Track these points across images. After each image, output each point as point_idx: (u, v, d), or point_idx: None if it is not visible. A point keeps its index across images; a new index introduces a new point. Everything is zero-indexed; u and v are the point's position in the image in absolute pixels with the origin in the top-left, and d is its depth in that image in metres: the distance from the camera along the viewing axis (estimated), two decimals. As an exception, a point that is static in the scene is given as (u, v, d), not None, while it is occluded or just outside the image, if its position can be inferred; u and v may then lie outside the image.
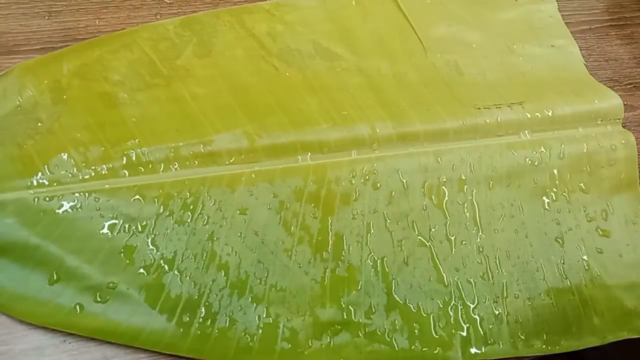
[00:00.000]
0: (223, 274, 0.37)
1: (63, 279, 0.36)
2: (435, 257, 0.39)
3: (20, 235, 0.36)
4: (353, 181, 0.41)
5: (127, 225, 0.38)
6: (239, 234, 0.38)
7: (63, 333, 0.36)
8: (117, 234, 0.37)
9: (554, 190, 0.42)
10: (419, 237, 0.40)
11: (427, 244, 0.40)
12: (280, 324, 0.36)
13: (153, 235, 0.38)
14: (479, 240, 0.40)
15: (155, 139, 0.40)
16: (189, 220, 0.38)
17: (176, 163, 0.40)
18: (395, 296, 0.38)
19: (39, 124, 0.40)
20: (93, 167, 0.39)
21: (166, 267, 0.37)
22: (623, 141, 0.44)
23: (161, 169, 0.40)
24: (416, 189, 0.41)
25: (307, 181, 0.40)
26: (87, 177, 0.39)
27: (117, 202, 0.38)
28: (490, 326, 0.38)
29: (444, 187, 0.41)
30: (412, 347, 0.37)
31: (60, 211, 0.38)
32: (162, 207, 0.39)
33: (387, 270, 0.39)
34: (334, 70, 0.45)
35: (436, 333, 0.37)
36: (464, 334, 0.37)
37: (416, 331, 0.37)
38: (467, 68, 0.46)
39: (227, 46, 0.45)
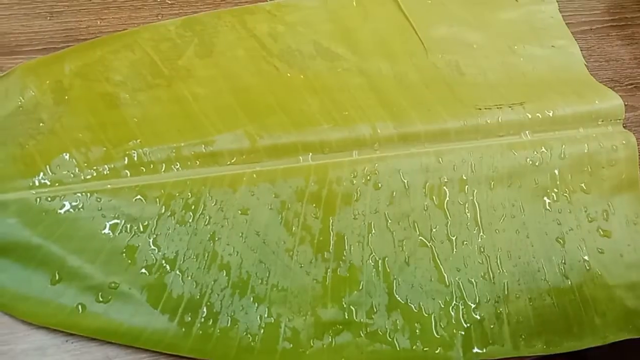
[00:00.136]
0: (225, 274, 0.37)
1: (65, 279, 0.36)
2: (437, 257, 0.39)
3: (22, 235, 0.37)
4: (354, 181, 0.41)
5: (128, 226, 0.38)
6: (241, 234, 0.39)
7: (65, 333, 0.36)
8: (118, 234, 0.38)
9: (555, 190, 0.42)
10: (420, 237, 0.40)
11: (428, 244, 0.40)
12: (281, 323, 0.37)
13: (155, 236, 0.38)
14: (480, 240, 0.40)
15: (157, 139, 0.40)
16: (190, 221, 0.38)
17: (178, 163, 0.40)
18: (397, 296, 0.38)
19: (41, 124, 0.40)
20: (95, 167, 0.39)
21: (168, 267, 0.37)
22: (624, 141, 0.44)
23: (163, 169, 0.40)
24: (417, 189, 0.41)
25: (308, 181, 0.40)
26: (88, 177, 0.39)
27: (119, 202, 0.38)
28: (492, 326, 0.38)
29: (445, 188, 0.41)
30: (414, 347, 0.37)
31: (62, 211, 0.38)
32: (163, 207, 0.39)
33: (388, 270, 0.39)
34: (335, 70, 0.45)
35: (437, 333, 0.37)
36: (465, 334, 0.37)
37: (417, 331, 0.37)
38: (468, 68, 0.46)
39: (228, 46, 0.45)
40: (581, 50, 0.49)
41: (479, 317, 0.38)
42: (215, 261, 0.38)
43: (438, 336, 0.37)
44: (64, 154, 0.39)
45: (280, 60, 0.45)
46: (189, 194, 0.39)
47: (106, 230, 0.38)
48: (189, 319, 0.36)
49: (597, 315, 0.38)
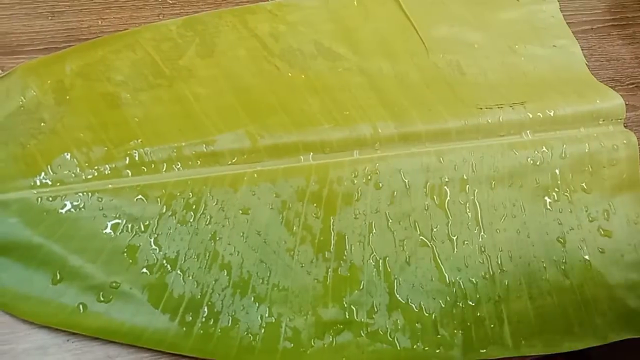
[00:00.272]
0: (225, 274, 0.37)
1: (66, 279, 0.36)
2: (437, 257, 0.39)
3: (23, 235, 0.37)
4: (355, 181, 0.41)
5: (130, 225, 0.38)
6: (242, 234, 0.39)
7: (66, 332, 0.36)
8: (120, 233, 0.38)
9: (556, 190, 0.42)
10: (421, 237, 0.40)
11: (429, 244, 0.40)
12: (282, 323, 0.37)
13: (156, 235, 0.38)
14: (480, 240, 0.40)
15: (158, 139, 0.40)
16: (191, 220, 0.39)
17: (179, 163, 0.40)
18: (397, 296, 0.38)
19: (42, 124, 0.40)
20: (96, 167, 0.39)
21: (169, 266, 0.37)
22: (625, 141, 0.44)
23: (164, 169, 0.40)
24: (418, 189, 0.41)
25: (309, 181, 0.40)
26: (90, 177, 0.39)
27: (120, 202, 0.38)
28: (492, 326, 0.38)
29: (445, 187, 0.41)
30: (414, 347, 0.37)
31: (63, 211, 0.38)
32: (164, 207, 0.39)
33: (389, 270, 0.39)
34: (336, 70, 0.45)
35: (438, 333, 0.37)
36: (466, 333, 0.37)
37: (418, 331, 0.37)
38: (469, 68, 0.46)
39: (229, 46, 0.45)
40: (582, 49, 0.49)
41: (479, 317, 0.38)
42: (216, 261, 0.38)
43: (439, 336, 0.37)
44: (65, 153, 0.39)
45: (281, 60, 0.45)
46: (190, 193, 0.39)
47: (107, 230, 0.38)
48: (190, 318, 0.36)
49: (597, 315, 0.39)
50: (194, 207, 0.39)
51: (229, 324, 0.36)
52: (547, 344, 0.38)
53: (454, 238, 0.40)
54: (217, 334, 0.36)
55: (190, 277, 0.37)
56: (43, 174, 0.39)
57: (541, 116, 0.44)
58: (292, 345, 0.36)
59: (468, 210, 0.41)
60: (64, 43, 0.45)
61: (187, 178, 0.40)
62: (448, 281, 0.39)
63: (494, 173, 0.42)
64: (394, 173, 0.41)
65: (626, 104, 0.45)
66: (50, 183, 0.38)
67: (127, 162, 0.39)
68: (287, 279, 0.38)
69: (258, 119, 0.42)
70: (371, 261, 0.39)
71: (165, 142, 0.40)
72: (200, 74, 0.44)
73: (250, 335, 0.36)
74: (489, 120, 0.43)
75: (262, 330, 0.36)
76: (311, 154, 0.42)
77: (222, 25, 0.46)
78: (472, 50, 0.47)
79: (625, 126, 0.45)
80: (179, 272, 0.37)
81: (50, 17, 0.46)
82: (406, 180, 0.41)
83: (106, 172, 0.39)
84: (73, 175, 0.39)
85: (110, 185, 0.39)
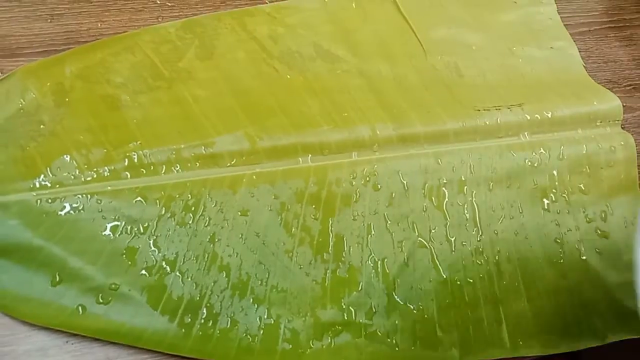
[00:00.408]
0: (224, 275, 0.38)
1: (66, 280, 0.36)
2: (436, 258, 0.40)
3: (23, 237, 0.37)
4: (353, 182, 0.41)
5: (129, 227, 0.38)
6: (240, 236, 0.39)
7: (66, 334, 0.36)
8: (119, 235, 0.38)
9: (554, 191, 0.42)
10: (420, 238, 0.40)
11: (428, 245, 0.40)
12: (281, 324, 0.37)
13: (155, 237, 0.38)
14: (478, 241, 0.40)
15: (157, 141, 0.41)
16: (190, 222, 0.39)
17: (178, 165, 0.40)
18: (396, 297, 0.38)
19: (42, 126, 0.40)
20: (95, 169, 0.39)
21: (168, 268, 0.37)
22: (622, 142, 0.44)
23: (163, 171, 0.40)
24: (416, 191, 0.41)
25: (307, 183, 0.41)
26: (89, 179, 0.39)
27: (119, 204, 0.38)
28: (491, 327, 0.38)
29: (444, 189, 0.41)
30: (413, 348, 0.37)
31: (62, 213, 0.38)
32: (163, 208, 0.39)
33: (387, 271, 0.39)
34: (335, 72, 0.45)
35: (436, 334, 0.37)
36: (464, 334, 0.37)
37: (416, 332, 0.37)
38: (467, 70, 0.47)
39: (228, 49, 0.45)
40: (580, 51, 0.49)
41: (477, 318, 0.38)
42: (215, 262, 0.38)
43: (437, 337, 0.37)
44: (65, 155, 0.39)
45: (280, 62, 0.45)
46: (189, 195, 0.39)
47: (107, 232, 0.38)
48: (189, 320, 0.36)
49: (595, 316, 0.39)
50: (193, 208, 0.39)
51: (228, 325, 0.36)
52: (545, 344, 0.38)
53: (452, 239, 0.40)
54: (216, 335, 0.36)
55: (189, 279, 0.37)
56: (42, 176, 0.39)
57: (539, 118, 0.44)
58: (290, 346, 0.36)
59: (466, 211, 0.41)
60: (63, 45, 0.45)
61: (186, 180, 0.40)
62: (446, 282, 0.39)
63: (492, 174, 0.42)
64: (393, 174, 0.41)
65: (623, 106, 0.45)
66: (49, 185, 0.38)
67: (126, 164, 0.40)
68: (285, 280, 0.38)
69: (257, 121, 0.42)
70: (370, 262, 0.39)
71: (164, 144, 0.40)
72: (200, 76, 0.44)
73: (249, 336, 0.36)
74: (487, 122, 0.43)
75: (261, 332, 0.36)
76: (310, 155, 0.42)
77: (221, 28, 0.46)
78: (470, 52, 0.48)
79: (622, 128, 0.45)
80: (178, 273, 0.37)
81: (49, 20, 0.46)
82: (404, 182, 0.41)
83: (105, 174, 0.39)
84: (72, 177, 0.39)
85: (109, 187, 0.39)
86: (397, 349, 0.37)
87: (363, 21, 0.48)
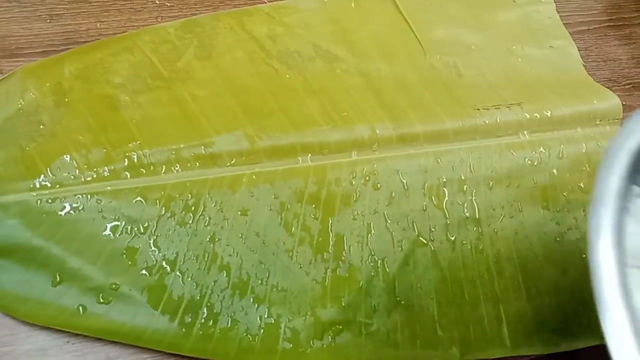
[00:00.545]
0: (225, 275, 0.38)
1: (66, 280, 0.36)
2: (436, 257, 0.39)
3: (23, 237, 0.37)
4: (353, 182, 0.41)
5: (129, 227, 0.38)
6: (240, 235, 0.39)
7: (66, 334, 0.36)
8: (119, 235, 0.38)
9: (554, 190, 0.42)
10: (420, 238, 0.40)
11: (428, 244, 0.40)
12: (281, 324, 0.37)
13: (155, 237, 0.38)
14: (478, 240, 0.40)
15: (157, 141, 0.41)
16: (190, 222, 0.39)
17: (177, 165, 0.40)
18: (396, 296, 0.38)
19: (41, 126, 0.40)
20: (95, 169, 0.39)
21: (168, 268, 0.37)
22: (622, 141, 0.44)
23: (163, 171, 0.40)
24: (416, 190, 0.41)
25: (307, 182, 0.41)
26: (89, 179, 0.39)
27: (119, 204, 0.38)
28: (491, 325, 0.38)
29: (443, 188, 0.41)
30: (413, 347, 0.37)
31: (62, 213, 0.38)
32: (163, 208, 0.39)
33: (387, 270, 0.39)
34: (334, 71, 0.45)
35: (437, 333, 0.37)
36: (465, 333, 0.37)
37: (417, 331, 0.37)
38: (466, 69, 0.47)
39: (227, 48, 0.45)
40: (579, 50, 0.49)
41: (478, 317, 0.38)
42: (215, 262, 0.38)
43: (437, 336, 0.37)
44: (64, 155, 0.39)
45: (279, 62, 0.45)
46: (189, 195, 0.39)
47: (107, 232, 0.38)
48: (190, 319, 0.36)
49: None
50: (192, 208, 0.39)
51: (228, 325, 0.36)
52: (546, 343, 0.38)
53: (452, 238, 0.40)
54: (217, 334, 0.36)
55: (190, 279, 0.37)
56: (42, 176, 0.39)
57: (538, 117, 0.44)
58: (291, 345, 0.36)
59: (466, 210, 0.41)
60: (62, 46, 0.45)
61: (185, 180, 0.40)
62: (446, 281, 0.39)
63: (492, 173, 0.42)
64: (392, 174, 0.41)
65: (623, 104, 0.45)
66: (49, 185, 0.38)
67: (125, 164, 0.40)
68: (286, 279, 0.38)
69: (256, 121, 0.42)
70: (370, 262, 0.39)
71: (164, 144, 0.40)
72: (199, 76, 0.44)
73: (249, 335, 0.36)
74: (487, 121, 0.43)
75: (261, 331, 0.36)
76: (309, 155, 0.42)
77: (220, 28, 0.46)
78: (470, 52, 0.48)
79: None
80: (178, 273, 0.37)
81: (48, 20, 0.46)
82: (404, 181, 0.41)
83: (105, 174, 0.39)
84: (72, 177, 0.39)
85: (109, 187, 0.39)
86: (397, 347, 0.37)
87: (362, 21, 0.48)
